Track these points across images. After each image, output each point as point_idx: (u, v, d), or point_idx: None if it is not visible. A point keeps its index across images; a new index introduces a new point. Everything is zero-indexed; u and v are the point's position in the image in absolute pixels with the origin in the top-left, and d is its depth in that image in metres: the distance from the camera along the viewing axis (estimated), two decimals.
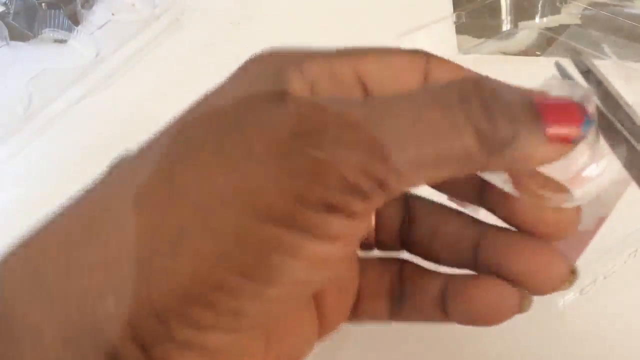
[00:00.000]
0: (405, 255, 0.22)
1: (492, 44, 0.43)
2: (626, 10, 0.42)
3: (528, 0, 0.44)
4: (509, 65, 0.42)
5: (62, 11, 0.48)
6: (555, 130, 0.15)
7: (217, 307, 0.15)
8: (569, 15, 0.43)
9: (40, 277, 0.15)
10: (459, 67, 0.19)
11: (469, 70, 0.19)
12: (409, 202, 0.21)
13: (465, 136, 0.15)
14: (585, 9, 0.43)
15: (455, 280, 0.20)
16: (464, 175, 0.16)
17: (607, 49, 0.39)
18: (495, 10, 0.44)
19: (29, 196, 0.39)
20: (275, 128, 0.15)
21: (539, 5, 0.44)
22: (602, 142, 0.17)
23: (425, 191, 0.20)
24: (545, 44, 0.42)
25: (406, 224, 0.22)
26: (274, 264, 0.15)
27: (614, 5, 0.42)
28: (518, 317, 0.20)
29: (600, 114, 0.17)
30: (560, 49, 0.41)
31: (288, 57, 0.17)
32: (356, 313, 0.21)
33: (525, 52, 0.42)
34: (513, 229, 0.20)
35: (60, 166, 0.41)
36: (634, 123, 0.17)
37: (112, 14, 0.49)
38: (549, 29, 0.43)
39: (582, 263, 0.20)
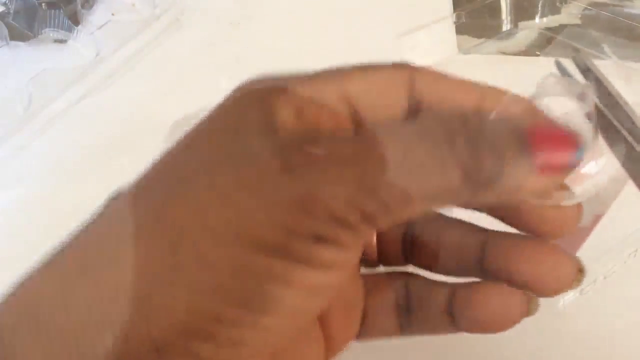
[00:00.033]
0: (410, 269, 0.22)
1: (492, 44, 0.43)
2: (626, 10, 0.42)
3: (528, 0, 0.44)
4: (509, 65, 0.42)
5: (62, 11, 0.48)
6: (546, 160, 0.15)
7: (217, 338, 0.15)
8: (569, 15, 0.43)
9: (38, 316, 0.16)
10: (443, 77, 0.19)
11: (453, 78, 0.19)
12: None
13: (451, 173, 0.15)
14: (585, 9, 0.43)
15: (461, 289, 0.20)
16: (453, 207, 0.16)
17: (607, 49, 0.39)
18: (495, 10, 0.43)
19: (29, 196, 0.39)
20: (265, 161, 0.15)
21: (539, 5, 0.44)
22: (601, 140, 0.17)
23: None
24: (545, 44, 0.42)
25: (408, 238, 0.22)
26: (269, 293, 0.15)
27: (614, 5, 0.42)
28: None
29: (599, 112, 0.17)
30: (559, 48, 0.41)
31: (272, 84, 0.17)
32: (365, 330, 0.22)
33: (526, 52, 0.42)
34: (514, 230, 0.20)
35: (60, 166, 0.41)
36: (632, 122, 0.17)
37: (112, 14, 0.49)
38: (549, 29, 0.43)
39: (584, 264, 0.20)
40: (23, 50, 0.48)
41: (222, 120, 0.17)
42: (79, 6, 0.49)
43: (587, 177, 0.17)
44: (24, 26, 0.48)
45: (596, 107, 0.17)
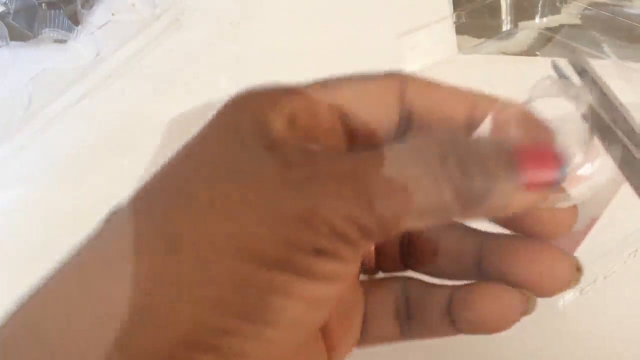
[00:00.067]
0: (409, 273, 0.22)
1: (492, 44, 0.43)
2: (626, 10, 0.41)
3: (528, 0, 0.44)
4: (509, 65, 0.42)
5: (62, 11, 0.48)
6: (532, 177, 0.16)
7: (220, 351, 0.15)
8: (568, 15, 0.43)
9: (42, 333, 0.16)
10: (434, 86, 0.19)
11: (444, 86, 0.19)
12: None
13: (444, 191, 0.16)
14: (585, 9, 0.43)
15: (459, 291, 0.21)
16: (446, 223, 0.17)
17: (607, 49, 0.39)
18: (495, 10, 0.43)
19: (29, 196, 0.39)
20: (266, 176, 0.16)
21: (539, 5, 0.44)
22: (597, 142, 0.18)
23: None
24: (545, 43, 0.42)
25: (406, 243, 0.22)
26: (271, 305, 0.15)
27: (614, 5, 0.42)
28: None
29: (595, 113, 0.18)
30: (559, 48, 0.41)
31: (264, 97, 0.18)
32: (366, 337, 0.22)
33: (526, 52, 0.42)
34: (509, 232, 0.20)
35: (60, 166, 0.41)
36: (628, 123, 0.17)
37: (112, 14, 0.49)
38: (549, 29, 0.43)
39: (582, 263, 0.20)
40: (23, 50, 0.48)
41: (218, 133, 0.17)
42: (79, 6, 0.49)
43: (582, 179, 0.17)
44: (24, 26, 0.48)
45: (592, 108, 0.17)
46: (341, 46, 0.43)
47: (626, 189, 0.18)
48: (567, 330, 0.29)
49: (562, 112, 0.18)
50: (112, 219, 0.17)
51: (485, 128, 0.18)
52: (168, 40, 0.48)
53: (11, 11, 0.48)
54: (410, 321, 0.21)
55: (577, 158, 0.17)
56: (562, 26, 0.43)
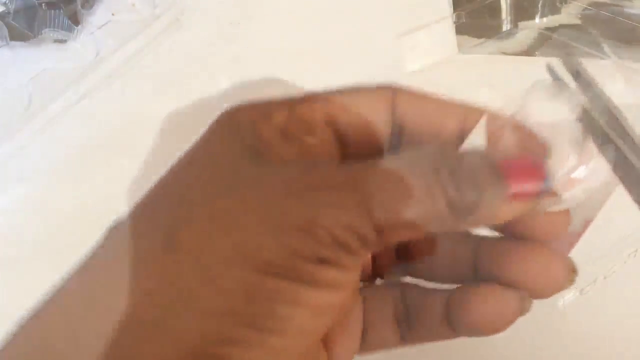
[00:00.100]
0: (407, 279, 0.22)
1: (492, 44, 0.43)
2: (626, 10, 0.41)
3: (528, 0, 0.44)
4: (509, 65, 0.42)
5: (62, 11, 0.48)
6: (517, 189, 0.17)
7: None
8: (568, 15, 0.43)
9: (50, 351, 0.16)
10: (424, 99, 0.20)
11: (434, 99, 0.20)
12: None
13: (438, 202, 0.16)
14: (585, 9, 0.43)
15: (455, 294, 0.21)
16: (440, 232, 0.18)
17: (607, 49, 0.39)
18: (495, 10, 0.43)
19: (29, 196, 0.39)
20: (268, 189, 0.16)
21: (539, 5, 0.44)
22: (590, 144, 0.18)
23: None
24: (545, 43, 0.42)
25: (402, 248, 0.22)
26: (278, 313, 0.16)
27: (614, 5, 0.42)
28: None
29: (588, 115, 0.18)
30: (558, 48, 0.41)
31: (255, 110, 0.18)
32: (366, 344, 0.22)
33: (526, 52, 0.42)
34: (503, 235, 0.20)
35: (60, 166, 0.41)
36: (621, 125, 0.17)
37: (112, 14, 0.49)
38: (549, 29, 0.43)
39: (582, 263, 0.20)
40: (23, 50, 0.48)
41: (210, 151, 0.18)
42: (79, 6, 0.49)
43: (576, 181, 0.17)
44: (24, 26, 0.48)
45: (585, 110, 0.18)
46: (341, 46, 0.43)
47: (624, 190, 0.18)
48: (567, 330, 0.29)
49: (556, 115, 0.18)
50: (113, 234, 0.17)
51: (473, 140, 0.18)
52: (168, 40, 0.48)
53: (11, 11, 0.48)
54: (410, 326, 0.22)
55: (571, 160, 0.17)
56: (562, 26, 0.43)
